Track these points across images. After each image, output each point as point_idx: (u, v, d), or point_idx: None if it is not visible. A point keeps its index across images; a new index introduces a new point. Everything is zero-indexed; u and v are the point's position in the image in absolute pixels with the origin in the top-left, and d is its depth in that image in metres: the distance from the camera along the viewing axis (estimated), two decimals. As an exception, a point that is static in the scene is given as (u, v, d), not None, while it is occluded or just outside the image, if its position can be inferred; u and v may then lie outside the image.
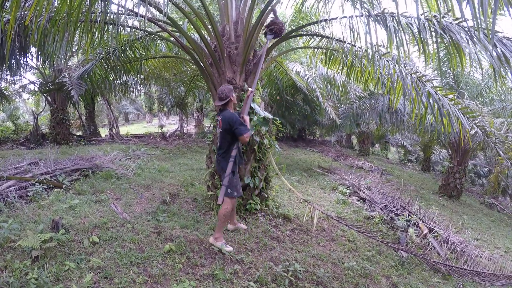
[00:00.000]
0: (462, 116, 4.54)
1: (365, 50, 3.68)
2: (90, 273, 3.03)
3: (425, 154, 19.01)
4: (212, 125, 4.89)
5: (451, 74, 10.91)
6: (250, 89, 4.08)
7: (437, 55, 3.82)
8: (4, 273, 2.91)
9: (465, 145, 10.46)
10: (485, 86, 10.86)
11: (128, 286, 2.95)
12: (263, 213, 5.00)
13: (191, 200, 5.52)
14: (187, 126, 20.30)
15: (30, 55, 10.33)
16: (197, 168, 7.74)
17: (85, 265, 3.17)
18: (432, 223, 5.82)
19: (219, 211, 3.84)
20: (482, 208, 10.88)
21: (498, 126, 9.20)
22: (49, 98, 12.49)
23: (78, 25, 4.13)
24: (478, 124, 6.16)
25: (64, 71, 10.98)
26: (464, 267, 4.51)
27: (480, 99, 10.99)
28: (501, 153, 7.90)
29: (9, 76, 10.96)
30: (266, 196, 5.17)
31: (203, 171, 5.36)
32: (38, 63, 11.98)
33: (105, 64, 6.62)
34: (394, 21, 3.72)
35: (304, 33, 5.66)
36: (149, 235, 3.95)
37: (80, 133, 16.02)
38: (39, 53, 7.90)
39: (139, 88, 14.11)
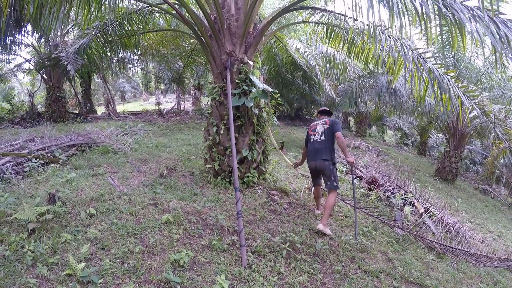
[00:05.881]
0: (462, 94, 4.50)
1: (367, 25, 3.58)
2: (87, 244, 3.00)
3: (421, 138, 19.05)
4: (209, 100, 4.81)
5: (452, 57, 10.83)
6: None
7: (439, 33, 3.71)
8: (0, 247, 2.87)
9: (462, 129, 10.49)
10: (485, 72, 10.81)
11: (125, 256, 2.95)
12: (260, 187, 5.00)
13: (188, 173, 5.50)
14: (184, 103, 20.11)
15: (25, 32, 10.16)
16: (194, 143, 7.72)
17: (82, 237, 3.15)
18: (427, 203, 5.87)
19: (328, 202, 4.11)
20: (476, 194, 11.01)
21: (497, 112, 9.18)
22: (44, 75, 12.31)
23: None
24: (477, 103, 6.13)
25: (60, 46, 10.77)
26: (459, 248, 4.58)
27: (479, 85, 10.96)
28: (499, 133, 7.92)
29: (3, 54, 10.68)
30: (264, 169, 5.16)
31: (200, 145, 5.31)
32: (34, 39, 11.77)
33: (102, 39, 6.47)
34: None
35: (304, 6, 5.55)
36: (146, 206, 3.94)
37: (76, 111, 15.86)
38: (35, 28, 7.71)
39: (135, 64, 13.93)
